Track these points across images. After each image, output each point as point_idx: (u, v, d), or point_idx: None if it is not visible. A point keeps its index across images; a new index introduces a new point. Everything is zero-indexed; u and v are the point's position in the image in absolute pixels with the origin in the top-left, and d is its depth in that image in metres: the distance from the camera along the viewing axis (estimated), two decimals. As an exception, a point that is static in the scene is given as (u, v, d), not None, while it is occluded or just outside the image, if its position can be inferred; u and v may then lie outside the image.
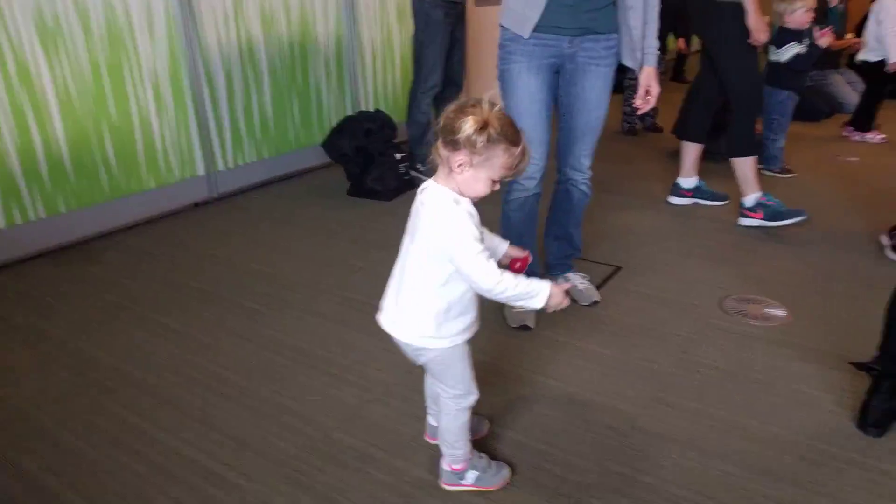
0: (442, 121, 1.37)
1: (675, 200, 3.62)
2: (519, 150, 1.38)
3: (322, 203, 3.65)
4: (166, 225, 3.32)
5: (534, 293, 1.43)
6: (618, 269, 2.84)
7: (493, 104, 1.35)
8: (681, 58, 7.09)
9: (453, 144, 1.35)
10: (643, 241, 3.14)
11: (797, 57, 3.81)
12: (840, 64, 5.82)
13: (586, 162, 2.42)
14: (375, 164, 3.68)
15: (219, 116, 3.57)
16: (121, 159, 3.16)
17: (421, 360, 1.54)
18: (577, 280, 2.60)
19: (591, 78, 2.26)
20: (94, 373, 2.08)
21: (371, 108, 4.11)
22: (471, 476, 1.61)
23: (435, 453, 1.64)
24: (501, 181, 1.41)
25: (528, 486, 1.63)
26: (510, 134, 1.35)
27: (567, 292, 1.49)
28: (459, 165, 1.36)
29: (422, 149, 4.08)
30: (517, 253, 1.64)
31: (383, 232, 3.24)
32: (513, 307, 2.28)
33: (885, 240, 2.98)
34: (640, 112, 2.46)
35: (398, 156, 3.78)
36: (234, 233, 3.23)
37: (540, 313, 1.69)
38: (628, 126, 5.18)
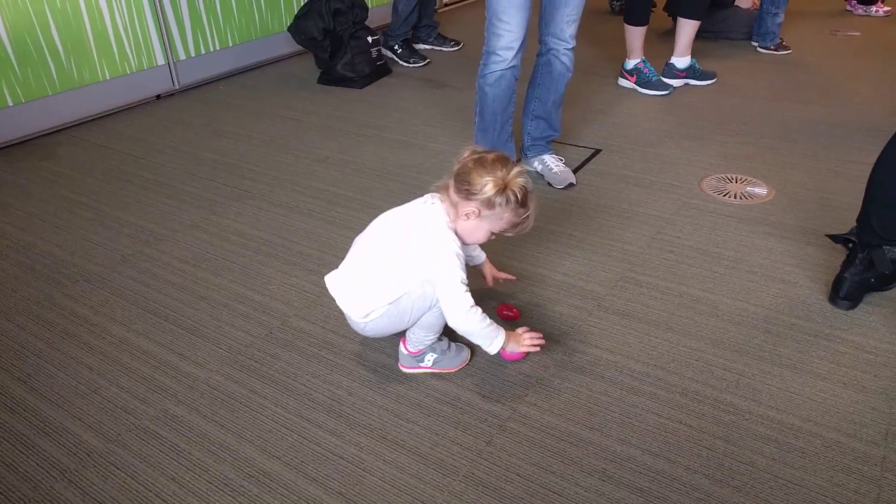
0: (459, 166, 1.42)
1: (668, 81, 3.44)
2: (527, 213, 1.44)
3: (290, 92, 3.47)
4: (126, 118, 3.17)
5: (493, 336, 1.47)
6: (597, 151, 2.72)
7: (511, 163, 1.41)
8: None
9: (467, 194, 1.39)
10: (626, 124, 3.00)
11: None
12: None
13: (569, 29, 2.25)
14: (346, 48, 3.47)
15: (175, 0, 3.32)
16: (70, 48, 2.96)
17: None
18: (553, 162, 2.48)
19: None
20: (45, 267, 2.01)
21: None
22: (429, 358, 1.57)
23: (396, 339, 1.60)
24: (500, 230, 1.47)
25: (486, 366, 1.60)
26: (524, 198, 1.41)
27: (527, 347, 1.54)
28: (467, 214, 1.42)
29: (403, 26, 3.83)
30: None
31: (352, 120, 3.10)
32: None
33: None
34: None
35: (370, 38, 3.56)
36: (196, 124, 3.08)
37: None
38: (617, 4, 4.89)
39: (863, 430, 1.39)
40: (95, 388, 1.56)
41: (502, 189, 1.38)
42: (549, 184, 2.44)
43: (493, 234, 1.48)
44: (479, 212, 1.41)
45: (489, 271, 1.78)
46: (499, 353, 1.51)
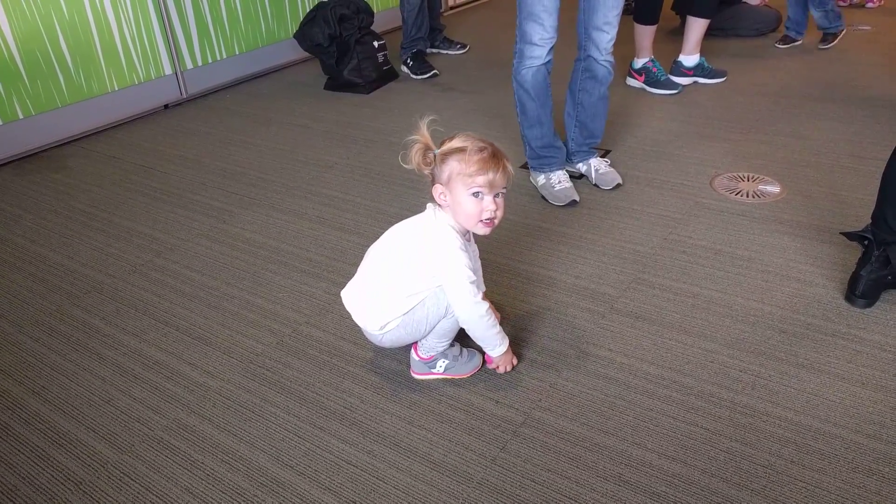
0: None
1: (676, 80, 3.41)
2: (474, 148, 1.35)
3: (297, 99, 3.48)
4: (135, 128, 3.18)
5: (498, 343, 1.50)
6: (606, 152, 2.70)
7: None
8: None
9: (429, 178, 1.41)
10: (635, 123, 2.98)
11: None
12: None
13: (605, 36, 2.28)
14: (352, 53, 3.47)
15: (182, 10, 3.33)
16: (78, 60, 2.98)
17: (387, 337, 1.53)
18: (598, 164, 2.45)
19: None
20: (56, 279, 2.02)
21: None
22: (441, 364, 1.56)
23: (407, 346, 1.59)
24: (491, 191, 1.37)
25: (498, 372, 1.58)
26: (455, 142, 1.36)
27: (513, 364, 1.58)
28: (441, 195, 1.39)
29: (415, 32, 3.79)
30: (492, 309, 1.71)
31: (359, 125, 3.10)
32: None
33: None
34: None
35: (376, 43, 3.56)
36: (204, 133, 3.09)
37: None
38: (626, 3, 4.86)
39: (883, 430, 1.37)
40: (108, 398, 1.56)
41: (424, 146, 1.37)
42: (596, 185, 2.41)
43: (476, 195, 1.36)
44: (442, 181, 1.38)
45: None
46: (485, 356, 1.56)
